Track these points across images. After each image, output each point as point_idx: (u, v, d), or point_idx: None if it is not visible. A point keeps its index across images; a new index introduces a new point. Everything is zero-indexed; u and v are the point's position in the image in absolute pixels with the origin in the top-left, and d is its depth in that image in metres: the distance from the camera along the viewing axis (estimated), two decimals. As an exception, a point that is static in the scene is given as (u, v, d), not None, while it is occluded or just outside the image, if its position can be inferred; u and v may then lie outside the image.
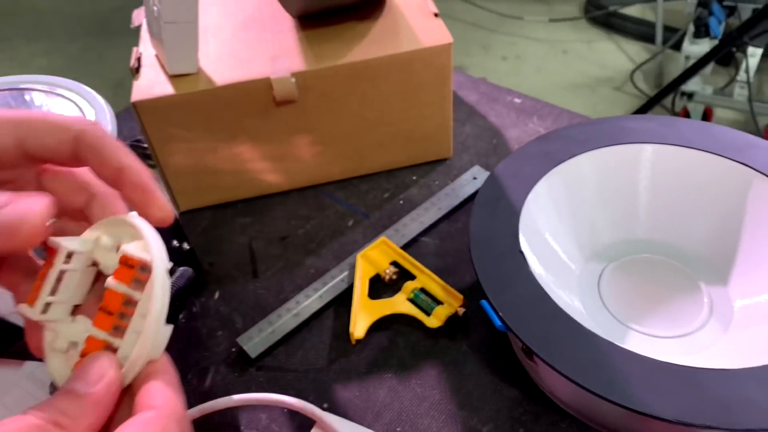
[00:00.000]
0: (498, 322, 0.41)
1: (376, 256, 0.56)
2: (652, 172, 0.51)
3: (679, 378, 0.37)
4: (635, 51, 2.15)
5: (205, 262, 0.59)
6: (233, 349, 0.52)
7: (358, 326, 0.51)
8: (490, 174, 0.51)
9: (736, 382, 0.37)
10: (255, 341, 0.51)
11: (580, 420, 0.46)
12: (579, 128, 0.53)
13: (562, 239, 0.50)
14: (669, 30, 2.01)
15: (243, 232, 0.61)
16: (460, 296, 0.52)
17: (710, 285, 0.49)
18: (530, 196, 0.49)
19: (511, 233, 0.46)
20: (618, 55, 2.15)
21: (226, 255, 0.59)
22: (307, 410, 0.45)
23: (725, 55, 1.83)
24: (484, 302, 0.42)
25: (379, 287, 0.55)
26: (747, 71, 1.62)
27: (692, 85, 1.69)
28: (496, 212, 0.48)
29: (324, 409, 0.47)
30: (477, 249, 0.45)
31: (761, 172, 0.48)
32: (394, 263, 0.56)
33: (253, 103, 0.57)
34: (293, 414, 0.47)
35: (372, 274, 0.55)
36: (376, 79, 0.58)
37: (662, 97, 1.64)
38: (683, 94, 1.71)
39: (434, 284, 0.54)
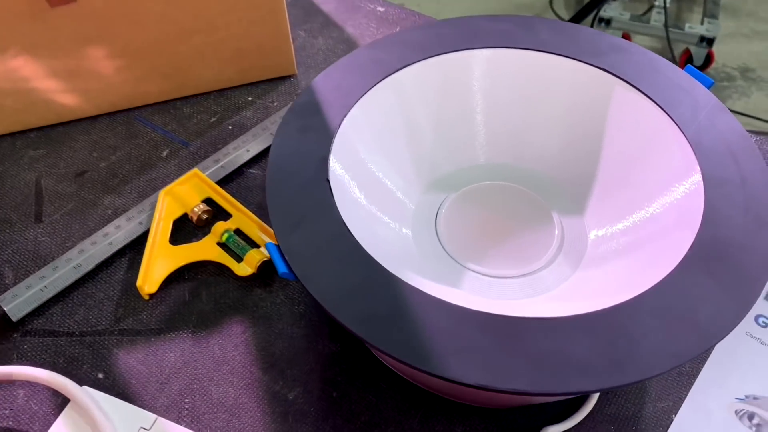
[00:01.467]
0: (282, 268, 0.33)
1: (184, 192, 0.47)
2: (494, 82, 0.43)
3: (491, 331, 0.30)
4: None
5: (-20, 205, 0.48)
6: (-5, 311, 0.42)
7: (150, 278, 0.42)
8: (307, 86, 0.42)
9: (558, 334, 0.30)
10: (20, 300, 0.41)
11: (405, 379, 0.39)
12: (420, 31, 0.44)
13: (393, 167, 0.42)
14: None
15: (31, 167, 0.50)
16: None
17: (564, 214, 0.42)
18: (352, 114, 0.40)
19: (320, 159, 0.38)
20: None
21: (4, 195, 0.49)
22: (58, 385, 0.36)
23: None
24: (271, 245, 0.34)
25: (188, 230, 0.46)
26: None
27: (610, 10, 1.62)
28: (306, 132, 0.39)
29: (98, 380, 0.39)
30: (274, 176, 0.36)
31: (624, 80, 0.41)
32: (208, 200, 0.47)
33: (16, 3, 0.45)
34: (57, 390, 0.39)
35: (178, 213, 0.46)
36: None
37: (578, 22, 1.57)
38: (601, 20, 1.64)
39: (251, 224, 0.45)
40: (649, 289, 0.31)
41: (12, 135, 0.52)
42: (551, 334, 0.30)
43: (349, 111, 0.40)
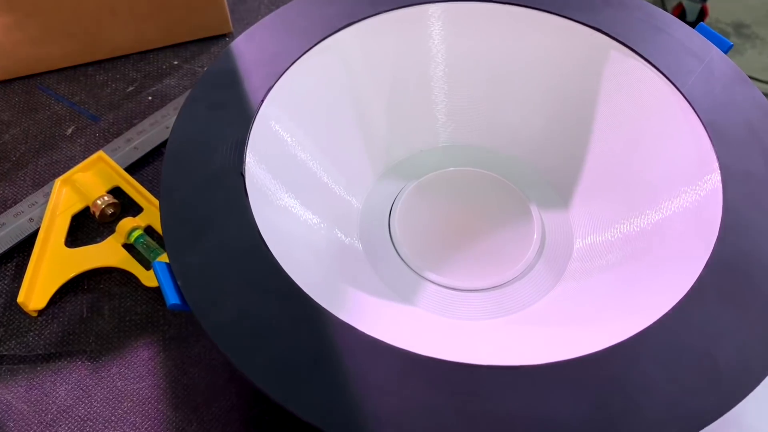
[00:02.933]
0: (173, 299, 0.25)
1: (87, 181, 0.38)
2: (456, 45, 0.34)
3: (446, 388, 0.22)
4: None
5: None
6: None
7: (37, 292, 0.34)
8: (225, 50, 0.33)
9: (534, 390, 0.22)
10: None
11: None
12: (370, -20, 0.36)
13: (332, 154, 0.33)
14: None
15: None
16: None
17: (546, 209, 0.34)
18: (279, 86, 0.31)
19: (234, 145, 0.29)
20: None
21: None
22: None
23: None
24: (159, 264, 0.26)
25: (92, 227, 0.38)
26: None
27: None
28: (218, 111, 0.30)
29: (-34, 424, 0.31)
30: (172, 169, 0.28)
31: (622, 42, 0.33)
32: (115, 190, 0.39)
33: None
34: None
35: (79, 207, 0.37)
36: None
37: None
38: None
39: (165, 220, 0.37)
40: (654, 323, 0.24)
41: None
42: (525, 389, 0.22)
43: (275, 82, 0.31)
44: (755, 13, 1.60)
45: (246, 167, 0.28)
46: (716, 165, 0.27)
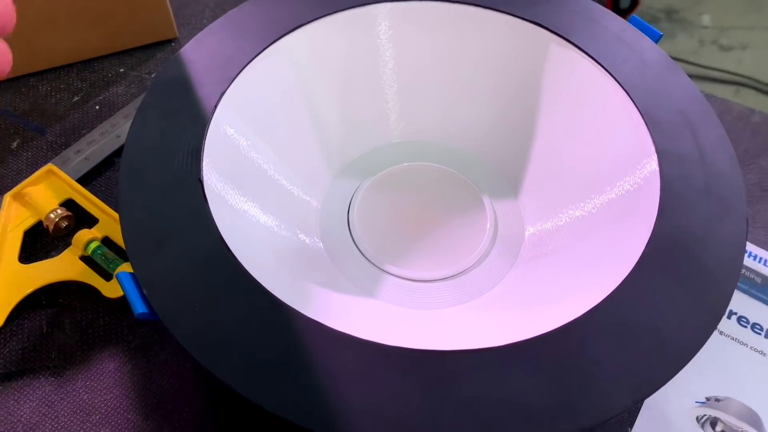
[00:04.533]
0: (140, 308, 0.25)
1: (37, 194, 0.37)
2: (404, 43, 0.35)
3: (412, 375, 0.23)
4: None
5: None
6: None
7: (-7, 308, 0.34)
8: (174, 56, 0.33)
9: (496, 372, 0.23)
10: None
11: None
12: (315, -18, 0.36)
13: (288, 156, 0.34)
14: None
15: None
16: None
17: (496, 199, 0.35)
18: (231, 91, 0.32)
19: (190, 152, 0.30)
20: None
21: None
22: None
23: None
24: (123, 274, 0.26)
25: (45, 242, 0.37)
26: None
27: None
28: (172, 118, 0.31)
29: (-73, 449, 0.31)
30: (129, 179, 0.28)
31: (560, 35, 0.34)
32: (68, 203, 0.38)
33: None
34: None
35: (31, 222, 0.37)
36: None
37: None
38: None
39: (122, 230, 0.37)
40: (603, 300, 0.25)
41: None
42: (488, 372, 0.24)
43: (227, 87, 0.31)
44: None
45: (203, 173, 0.28)
46: (653, 149, 0.29)
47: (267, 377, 0.23)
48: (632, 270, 0.26)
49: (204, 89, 0.31)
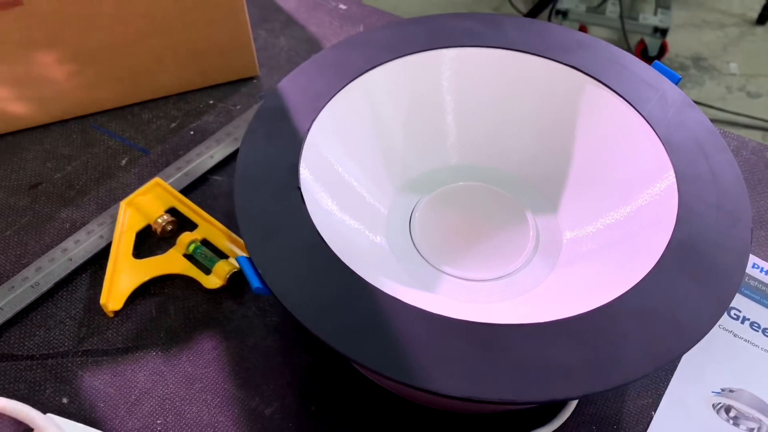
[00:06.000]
0: (256, 283, 0.32)
1: (147, 203, 0.45)
2: (462, 82, 0.42)
3: (473, 341, 0.29)
4: None
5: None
6: (-53, 336, 0.40)
7: (114, 295, 0.40)
8: (272, 90, 0.40)
9: (540, 341, 0.29)
10: (-26, 324, 0.39)
11: (384, 389, 0.38)
12: (386, 31, 0.43)
13: (365, 171, 0.41)
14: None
15: (-20, 181, 0.48)
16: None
17: (538, 214, 0.41)
18: (320, 118, 0.39)
19: (290, 166, 0.36)
20: None
21: (-48, 212, 0.46)
22: (21, 415, 0.34)
23: None
24: (242, 258, 0.33)
25: (152, 242, 0.44)
26: None
27: (567, 2, 1.64)
28: (274, 139, 0.38)
29: (63, 406, 0.37)
30: (243, 186, 0.35)
31: (594, 77, 0.41)
32: (172, 210, 0.45)
33: None
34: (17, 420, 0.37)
35: (141, 225, 0.44)
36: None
37: (536, 15, 1.59)
38: (558, 12, 1.66)
39: (219, 234, 0.43)
40: (628, 290, 0.31)
41: (-42, 147, 0.50)
42: (534, 340, 0.30)
43: (317, 115, 0.39)
44: (712, 47, 1.73)
45: (301, 182, 0.35)
46: (672, 169, 0.35)
47: (357, 338, 0.29)
48: (653, 267, 0.32)
49: (298, 117, 0.38)
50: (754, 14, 1.78)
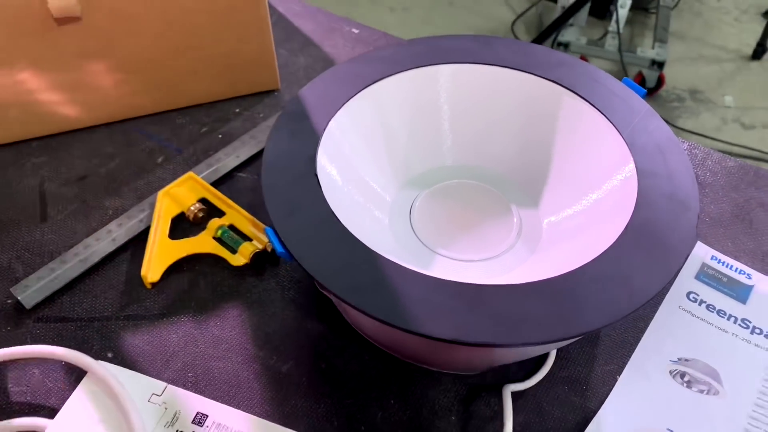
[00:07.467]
0: (280, 249, 0.38)
1: (181, 193, 0.51)
2: (457, 93, 0.49)
3: (459, 297, 0.36)
4: (518, 3, 2.16)
5: (-13, 208, 0.52)
6: (9, 301, 0.46)
7: (153, 269, 0.47)
8: (296, 95, 0.47)
9: (516, 298, 0.36)
10: (32, 290, 0.46)
11: (384, 351, 0.44)
12: (394, 49, 0.50)
13: (373, 166, 0.47)
14: (551, -18, 2.03)
15: (35, 173, 0.55)
16: (268, 231, 0.48)
17: (522, 207, 0.48)
18: (335, 119, 0.45)
19: (309, 157, 0.43)
20: (501, 7, 2.16)
21: (9, 198, 0.53)
22: (76, 359, 0.40)
23: (601, 9, 1.88)
24: (269, 229, 0.39)
25: (186, 227, 0.51)
26: (617, 22, 1.66)
27: (568, 35, 1.72)
28: (295, 135, 0.44)
29: (107, 359, 0.43)
30: (269, 172, 0.42)
31: (571, 90, 0.47)
32: (202, 200, 0.52)
33: (26, 20, 0.50)
34: (71, 368, 0.43)
35: (176, 212, 0.51)
36: (177, -4, 0.53)
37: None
38: (560, 44, 1.74)
39: (243, 220, 0.50)
40: (590, 261, 0.37)
41: (15, 144, 0.57)
42: (510, 297, 0.36)
43: (333, 117, 0.45)
44: (708, 80, 1.80)
45: (318, 170, 0.42)
46: (633, 165, 0.42)
47: (365, 294, 0.35)
48: (613, 243, 0.38)
49: (317, 117, 0.45)
50: (749, 50, 1.87)
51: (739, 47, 1.90)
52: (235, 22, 0.56)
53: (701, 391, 0.42)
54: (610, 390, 0.43)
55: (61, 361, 0.43)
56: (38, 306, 0.46)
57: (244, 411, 0.41)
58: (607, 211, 0.42)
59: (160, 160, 0.56)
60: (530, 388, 0.42)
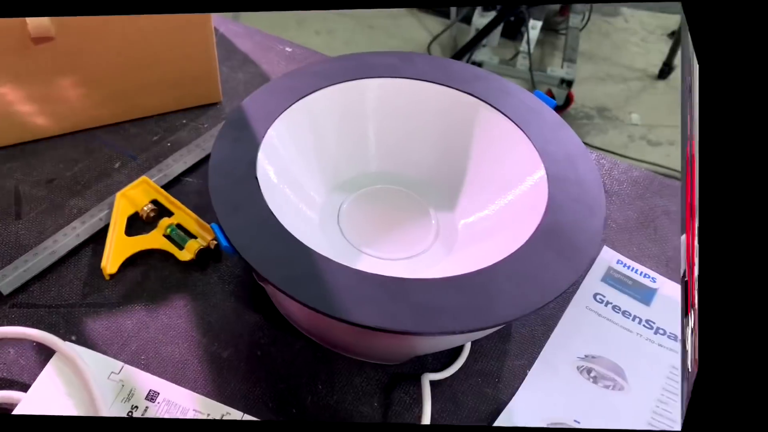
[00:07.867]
0: (225, 243, 0.40)
1: (135, 195, 0.53)
2: (382, 105, 0.51)
3: (383, 288, 0.37)
4: (433, 25, 2.14)
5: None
6: (-18, 291, 0.47)
7: (111, 262, 0.48)
8: (238, 106, 0.49)
9: (434, 290, 0.38)
10: (8, 279, 0.47)
11: (314, 341, 0.46)
12: (326, 64, 0.52)
13: (306, 171, 0.49)
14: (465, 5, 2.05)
15: (10, 176, 0.55)
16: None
17: (439, 210, 0.50)
18: (273, 127, 0.47)
19: (250, 161, 0.45)
20: (419, 30, 2.14)
21: (-17, 199, 0.53)
22: (47, 340, 0.42)
23: (512, 30, 1.88)
24: (215, 225, 0.41)
25: (139, 225, 0.52)
26: (528, 42, 1.67)
27: (481, 55, 1.72)
28: (238, 142, 0.46)
29: (72, 341, 0.44)
30: (215, 174, 0.43)
31: (487, 102, 0.49)
32: (154, 201, 0.53)
33: (8, 39, 0.50)
34: (41, 348, 0.44)
35: (131, 212, 0.52)
36: (135, 17, 0.54)
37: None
38: (474, 63, 1.75)
39: (190, 220, 0.51)
40: (503, 258, 0.39)
41: (-12, 150, 0.57)
42: (429, 290, 0.38)
43: (271, 125, 0.47)
44: (615, 98, 1.84)
45: (258, 173, 0.44)
46: (544, 172, 0.44)
47: (299, 284, 0.37)
48: (524, 243, 0.40)
49: (256, 126, 0.47)
50: (656, 70, 1.90)
51: (646, 67, 1.94)
52: (183, 42, 0.57)
53: (607, 387, 0.44)
54: (521, 383, 0.45)
55: (33, 342, 0.44)
56: (13, 293, 0.47)
57: (191, 390, 0.43)
58: (520, 214, 0.44)
59: (117, 165, 0.57)
60: (446, 378, 0.44)
